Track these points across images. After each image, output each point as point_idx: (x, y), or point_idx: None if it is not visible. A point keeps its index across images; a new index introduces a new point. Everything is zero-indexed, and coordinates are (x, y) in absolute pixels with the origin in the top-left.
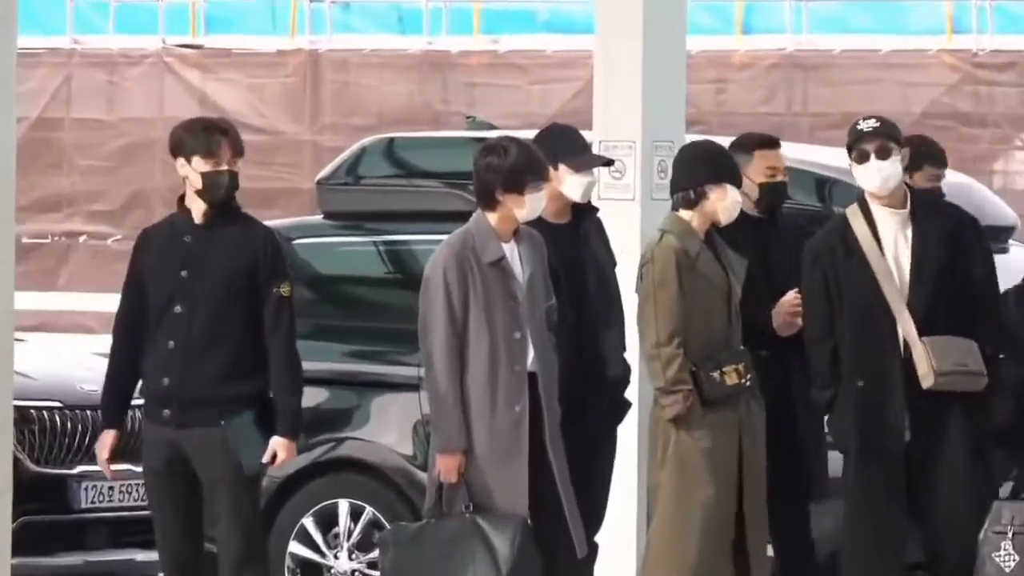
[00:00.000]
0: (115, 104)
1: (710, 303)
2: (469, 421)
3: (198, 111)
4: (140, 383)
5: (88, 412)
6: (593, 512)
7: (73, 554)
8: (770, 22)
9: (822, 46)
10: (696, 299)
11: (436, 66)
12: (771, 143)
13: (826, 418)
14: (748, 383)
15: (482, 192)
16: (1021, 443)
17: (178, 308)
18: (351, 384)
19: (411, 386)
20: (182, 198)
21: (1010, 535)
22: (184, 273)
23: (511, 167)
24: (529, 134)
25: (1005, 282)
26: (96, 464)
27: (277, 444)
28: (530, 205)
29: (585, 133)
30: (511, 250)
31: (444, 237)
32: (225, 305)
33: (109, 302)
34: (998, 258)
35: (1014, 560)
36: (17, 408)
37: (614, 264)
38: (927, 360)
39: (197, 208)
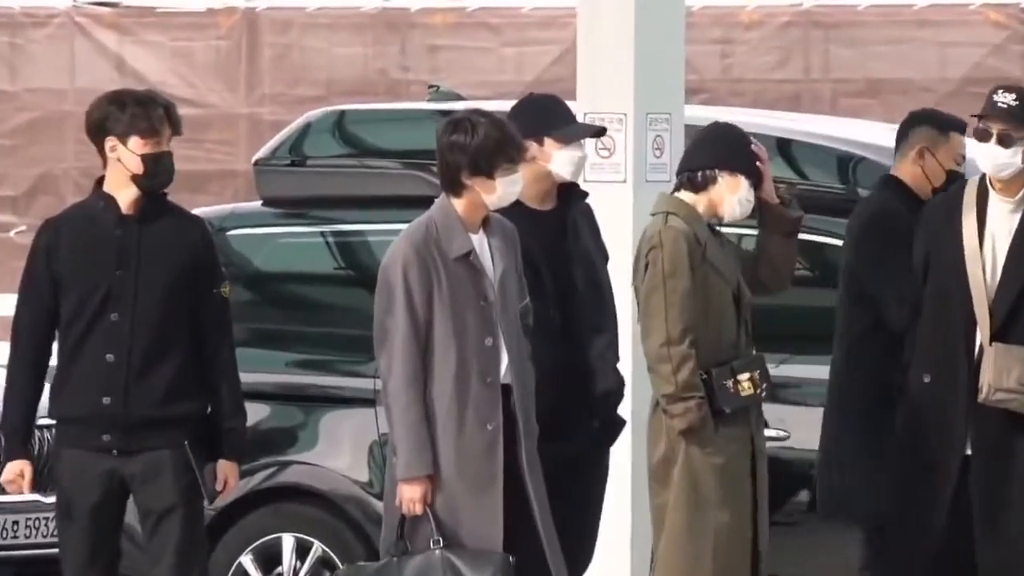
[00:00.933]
0: (17, 72)
1: (721, 300)
2: (435, 442)
3: (116, 81)
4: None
5: None
6: (579, 547)
7: None
8: None
9: (845, 0)
10: (706, 294)
11: (393, 26)
12: (963, 126)
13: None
14: (764, 394)
15: (446, 175)
16: None
17: (114, 315)
18: (296, 399)
19: (366, 401)
20: (100, 182)
21: None
22: (119, 273)
23: (479, 146)
24: (503, 106)
25: None
26: None
27: (226, 468)
28: (502, 190)
29: (568, 104)
30: (480, 242)
31: (404, 227)
32: (169, 310)
33: (7, 304)
34: None
35: None
36: None
37: (606, 259)
38: (992, 370)
39: (125, 196)
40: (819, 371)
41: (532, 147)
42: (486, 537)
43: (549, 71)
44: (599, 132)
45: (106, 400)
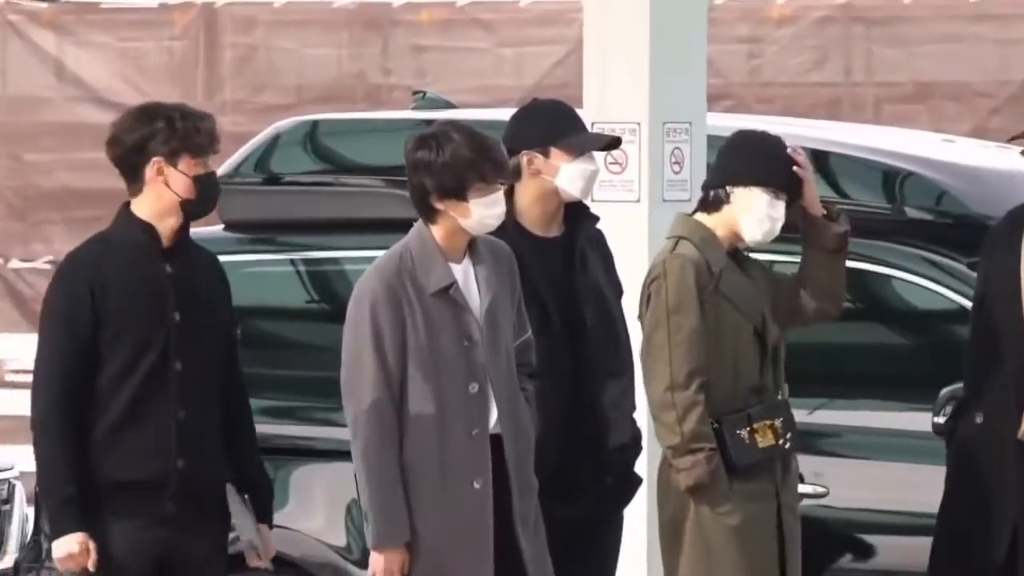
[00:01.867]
0: None
1: (738, 338)
2: (412, 504)
3: (54, 86)
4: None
5: None
6: None
7: None
8: None
9: None
10: (719, 331)
11: (374, 24)
12: None
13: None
14: (788, 445)
15: (415, 199)
16: None
17: (178, 365)
18: (262, 451)
19: (342, 453)
20: (127, 206)
21: None
22: (177, 316)
23: (444, 165)
24: (500, 114)
25: None
26: None
27: (265, 534)
28: (478, 214)
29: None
30: (465, 273)
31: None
32: (219, 357)
33: None
34: None
35: None
36: None
37: (620, 293)
38: None
39: (167, 226)
40: (860, 417)
41: (536, 160)
42: None
43: (551, 74)
44: (614, 143)
45: (181, 463)
